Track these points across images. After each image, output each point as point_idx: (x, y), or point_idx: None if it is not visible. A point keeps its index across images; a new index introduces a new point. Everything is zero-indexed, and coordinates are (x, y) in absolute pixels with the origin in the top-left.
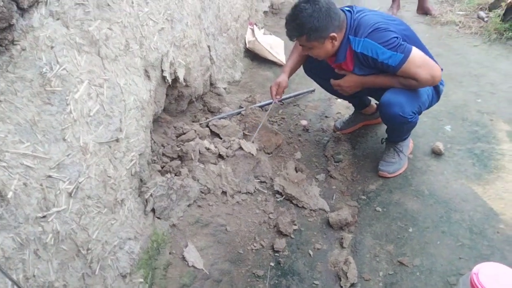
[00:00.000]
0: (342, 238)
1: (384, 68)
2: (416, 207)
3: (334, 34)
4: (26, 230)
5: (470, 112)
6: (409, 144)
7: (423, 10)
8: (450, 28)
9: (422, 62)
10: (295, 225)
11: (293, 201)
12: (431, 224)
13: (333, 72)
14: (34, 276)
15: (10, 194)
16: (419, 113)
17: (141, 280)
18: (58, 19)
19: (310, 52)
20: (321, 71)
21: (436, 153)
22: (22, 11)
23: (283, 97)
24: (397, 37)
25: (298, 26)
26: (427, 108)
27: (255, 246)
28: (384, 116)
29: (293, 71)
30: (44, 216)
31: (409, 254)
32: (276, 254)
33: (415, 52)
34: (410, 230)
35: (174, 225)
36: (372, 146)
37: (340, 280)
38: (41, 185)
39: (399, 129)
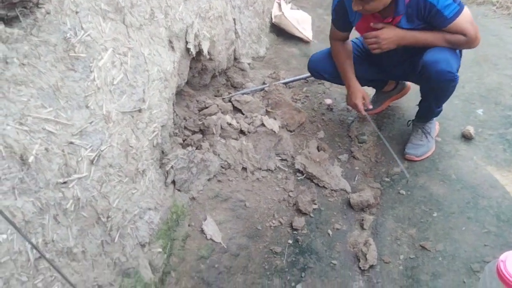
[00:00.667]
0: (362, 220)
1: (435, 20)
2: (442, 192)
3: None
4: (46, 195)
5: (504, 96)
6: (435, 127)
7: None
8: (487, 8)
9: (471, 19)
10: (315, 204)
11: (314, 180)
12: (456, 210)
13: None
14: (53, 241)
15: (31, 159)
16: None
17: (160, 250)
18: None
19: (367, 6)
20: (329, 64)
21: (466, 137)
22: None
23: (286, 80)
24: None
25: None
26: None
27: (273, 223)
28: (431, 76)
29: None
30: (65, 182)
31: (432, 239)
32: (295, 232)
33: (466, 8)
34: (435, 214)
35: (193, 198)
36: (398, 127)
37: (359, 261)
38: (62, 151)
39: (445, 90)
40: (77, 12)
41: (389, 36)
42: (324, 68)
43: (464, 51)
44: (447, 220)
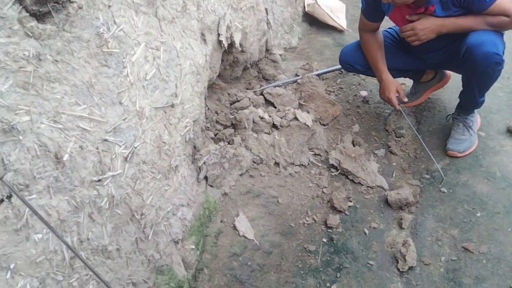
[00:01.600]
0: (401, 219)
1: (474, 4)
2: (486, 190)
3: None
4: (81, 193)
5: None
6: (477, 120)
7: None
8: None
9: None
10: (350, 201)
11: (349, 177)
12: (502, 209)
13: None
14: (88, 239)
15: (66, 157)
16: None
17: (193, 246)
18: None
19: None
20: (361, 56)
21: None
22: None
23: (320, 71)
24: None
25: None
26: None
27: (307, 220)
28: (476, 60)
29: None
30: (99, 180)
31: (475, 240)
32: (329, 230)
33: None
34: (478, 214)
35: (226, 193)
36: (439, 121)
37: (398, 262)
38: (97, 148)
39: (491, 75)
40: (109, 6)
41: (426, 26)
42: (356, 60)
43: (508, 39)
44: (491, 221)
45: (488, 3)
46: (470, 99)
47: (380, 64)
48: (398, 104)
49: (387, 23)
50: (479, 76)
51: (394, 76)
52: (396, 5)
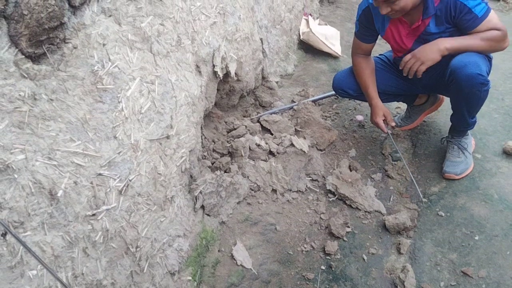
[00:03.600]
0: (399, 244)
1: (465, 21)
2: (484, 213)
3: None
4: (75, 229)
5: None
6: (472, 142)
7: None
8: None
9: (498, 21)
10: (348, 227)
11: (346, 202)
12: (500, 232)
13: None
14: (82, 274)
15: (60, 193)
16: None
17: (190, 278)
18: (110, 16)
19: (394, 6)
20: (354, 81)
21: (508, 154)
22: (74, 9)
23: (316, 97)
24: None
25: None
26: None
27: (305, 248)
28: (461, 82)
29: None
30: (93, 214)
31: (474, 264)
32: (328, 257)
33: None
34: (476, 238)
35: (223, 222)
36: (435, 144)
37: None
38: (91, 183)
39: (477, 96)
40: (104, 45)
41: (427, 49)
42: (348, 85)
43: (502, 61)
44: (490, 244)
45: (480, 19)
46: (461, 121)
47: (371, 89)
48: (387, 128)
49: (380, 48)
50: (466, 97)
51: (387, 100)
52: (392, 21)
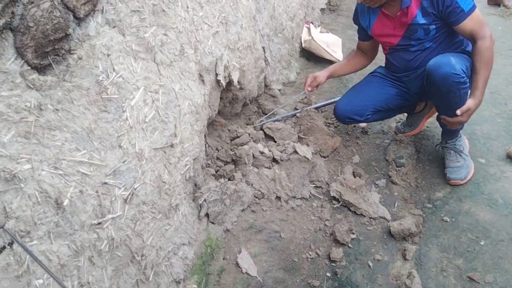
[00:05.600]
0: (405, 250)
1: (452, 14)
2: (489, 218)
3: None
4: (81, 237)
5: None
6: (465, 142)
7: (495, 0)
8: None
9: (482, 18)
10: (353, 233)
11: (351, 208)
12: (506, 237)
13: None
14: (88, 283)
15: (66, 202)
16: (468, 77)
17: (195, 286)
18: (114, 27)
19: None
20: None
21: None
22: (79, 20)
23: (318, 104)
24: None
25: None
26: None
27: (310, 255)
28: (437, 82)
29: (336, 73)
30: (99, 223)
31: (480, 270)
32: (333, 264)
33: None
34: (482, 243)
35: (228, 230)
36: (439, 149)
37: None
38: (96, 192)
39: (456, 95)
40: (108, 55)
41: (472, 113)
42: (353, 111)
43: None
44: (496, 249)
45: (466, 14)
46: (449, 113)
47: (334, 64)
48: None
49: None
50: (446, 98)
51: (390, 116)
52: (372, 7)
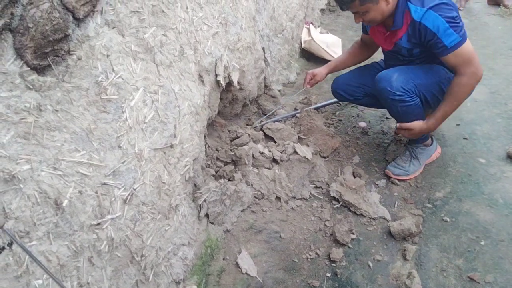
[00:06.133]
0: (405, 250)
1: (434, 48)
2: (489, 218)
3: None
4: (80, 238)
5: None
6: (431, 153)
7: (495, 0)
8: None
9: (472, 53)
10: (353, 234)
11: (351, 208)
12: (506, 237)
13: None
14: (88, 283)
15: (65, 202)
16: (420, 96)
17: (195, 286)
18: (113, 27)
19: (365, 17)
20: (355, 88)
21: None
22: (78, 21)
23: (318, 104)
24: (459, 18)
25: None
26: None
27: (310, 255)
28: (376, 94)
29: (336, 68)
30: (98, 224)
31: (480, 270)
32: (333, 264)
33: (469, 42)
34: (482, 243)
35: (227, 230)
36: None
37: None
38: (96, 192)
39: (395, 111)
40: (108, 56)
41: (418, 133)
42: (343, 89)
43: (504, 66)
44: (496, 249)
45: (448, 50)
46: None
47: (334, 60)
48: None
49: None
50: (388, 109)
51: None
52: (369, 24)
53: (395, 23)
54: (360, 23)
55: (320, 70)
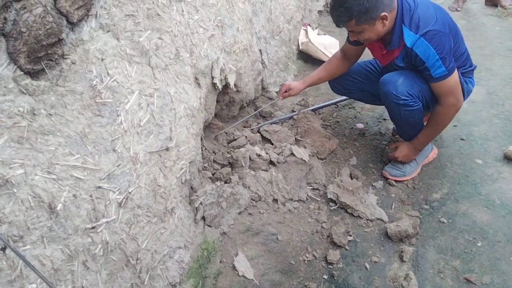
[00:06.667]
0: (402, 251)
1: (422, 72)
2: (486, 219)
3: (385, 13)
4: (75, 242)
5: None
6: (427, 154)
7: (492, 1)
8: None
9: (455, 86)
10: (350, 235)
11: (348, 210)
12: (503, 238)
13: (366, 78)
14: (82, 287)
15: (59, 206)
16: (422, 101)
17: None
18: (108, 31)
19: (360, 36)
20: (350, 82)
21: (509, 159)
22: (72, 25)
23: (316, 106)
24: (451, 48)
25: (346, 10)
26: None
27: (307, 257)
28: (381, 97)
29: (313, 84)
30: (93, 227)
31: (477, 271)
32: (330, 266)
33: (455, 74)
34: (479, 244)
35: (224, 233)
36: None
37: None
38: (90, 196)
39: (398, 115)
40: (102, 59)
41: (406, 157)
42: (340, 82)
43: (501, 66)
44: (493, 250)
45: (434, 80)
46: (400, 135)
47: (311, 75)
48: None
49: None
50: (389, 113)
51: (377, 103)
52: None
53: (392, 43)
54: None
55: (296, 85)
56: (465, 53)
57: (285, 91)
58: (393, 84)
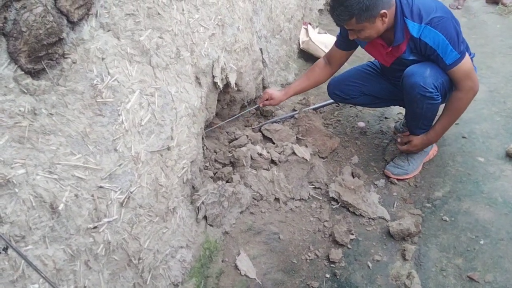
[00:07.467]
0: (404, 250)
1: (435, 60)
2: (489, 217)
3: (384, 10)
4: (77, 242)
5: None
6: (428, 151)
7: None
8: None
9: (470, 68)
10: (352, 234)
11: (349, 209)
12: (505, 236)
13: (362, 83)
14: (85, 287)
15: (61, 206)
16: (442, 94)
17: None
18: (108, 30)
19: (360, 35)
20: (350, 87)
21: (511, 156)
22: (72, 24)
23: (317, 105)
24: (457, 31)
25: (346, 9)
26: None
27: (309, 256)
28: (406, 88)
29: (295, 93)
30: (95, 227)
31: (480, 269)
32: (332, 265)
33: (467, 57)
34: (482, 242)
35: (226, 232)
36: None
37: None
38: (92, 196)
39: (420, 107)
40: (103, 59)
41: (419, 146)
42: (340, 89)
43: (502, 64)
44: (495, 248)
45: (448, 67)
46: (410, 129)
47: (293, 84)
48: (263, 105)
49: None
50: (410, 105)
51: (380, 105)
52: (364, 41)
53: (396, 38)
54: (339, 34)
55: (278, 96)
56: (464, 42)
57: (267, 99)
58: (421, 76)
